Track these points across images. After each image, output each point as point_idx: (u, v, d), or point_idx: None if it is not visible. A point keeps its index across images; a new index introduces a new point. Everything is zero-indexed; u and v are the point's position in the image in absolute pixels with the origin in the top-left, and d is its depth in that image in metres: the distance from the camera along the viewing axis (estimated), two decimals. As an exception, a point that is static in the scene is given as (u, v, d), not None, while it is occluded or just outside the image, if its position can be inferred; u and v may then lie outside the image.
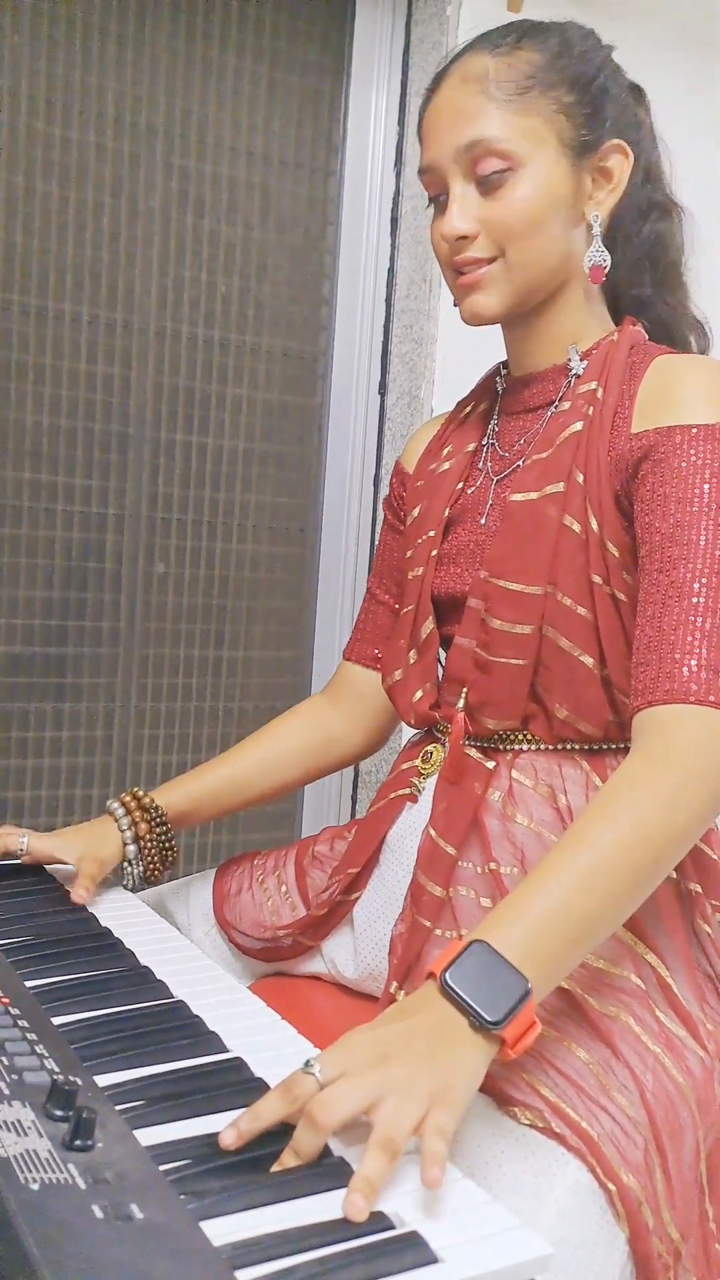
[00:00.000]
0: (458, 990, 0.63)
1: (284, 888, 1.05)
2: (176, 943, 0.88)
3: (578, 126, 0.86)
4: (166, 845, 1.02)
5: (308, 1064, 0.59)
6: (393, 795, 0.96)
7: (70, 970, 0.78)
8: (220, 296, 1.84)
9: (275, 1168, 0.56)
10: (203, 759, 1.88)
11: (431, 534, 0.96)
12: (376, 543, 1.14)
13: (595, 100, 0.87)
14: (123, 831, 1.00)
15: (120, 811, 1.02)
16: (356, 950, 0.96)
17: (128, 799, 1.03)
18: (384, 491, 1.91)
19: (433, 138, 0.88)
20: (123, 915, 0.92)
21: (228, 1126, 0.58)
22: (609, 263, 0.88)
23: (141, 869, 1.01)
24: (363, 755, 1.12)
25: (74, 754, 1.79)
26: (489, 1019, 0.62)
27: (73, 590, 1.77)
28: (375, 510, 1.94)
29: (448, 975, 0.64)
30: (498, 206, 0.87)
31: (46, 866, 1.02)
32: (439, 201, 0.91)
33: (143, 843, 1.00)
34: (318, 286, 1.94)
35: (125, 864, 1.00)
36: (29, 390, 1.71)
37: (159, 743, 1.85)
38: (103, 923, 0.89)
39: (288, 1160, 0.56)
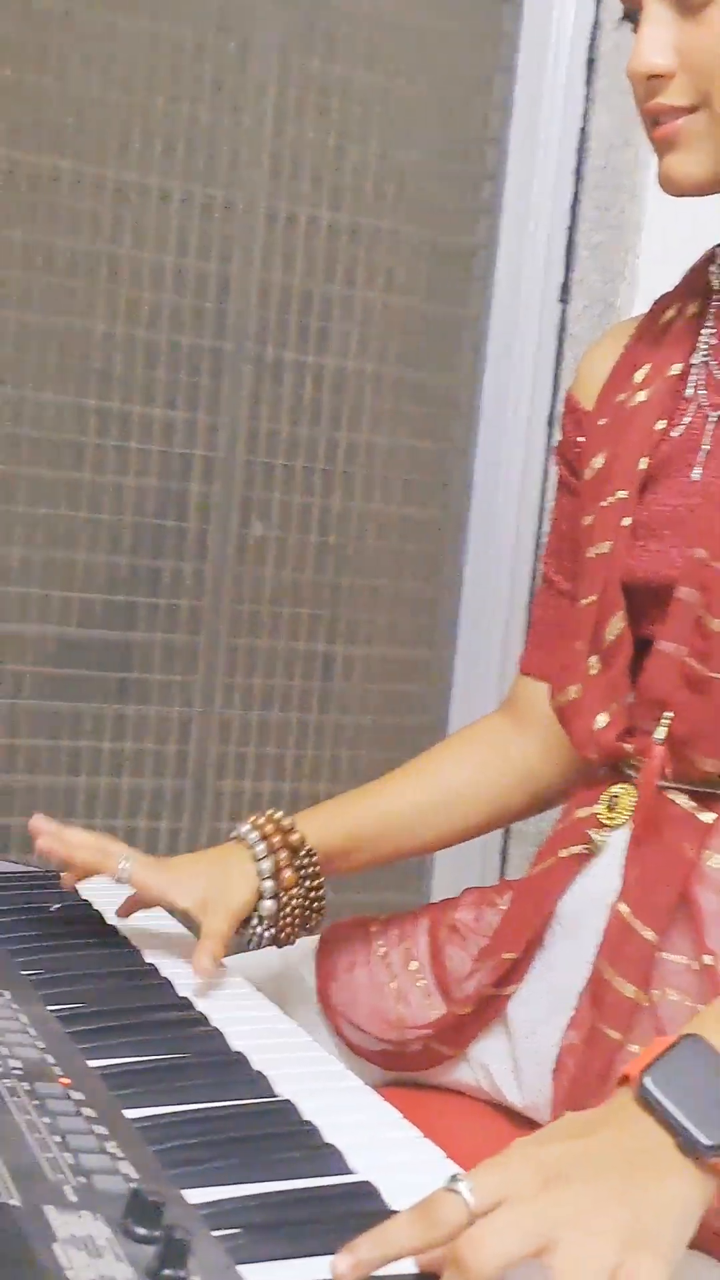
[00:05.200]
0: (662, 1099, 0.63)
1: (414, 964, 1.06)
2: (277, 1024, 0.90)
3: None
4: (314, 904, 1.01)
5: (454, 1180, 0.59)
6: (564, 853, 0.96)
7: (144, 1050, 0.80)
8: (350, 168, 1.86)
9: None
10: (304, 790, 1.92)
11: (622, 495, 0.95)
12: (550, 508, 1.14)
13: None
14: (262, 878, 0.99)
15: (261, 847, 0.99)
16: (517, 1065, 0.96)
17: (267, 826, 1.01)
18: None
19: None
20: (204, 982, 0.94)
21: (343, 1250, 0.59)
22: None
23: (273, 932, 0.99)
24: (560, 798, 1.11)
25: (138, 774, 1.84)
26: (705, 1141, 0.61)
27: (144, 556, 1.82)
28: (550, 462, 1.94)
29: (648, 1079, 0.63)
30: (701, 32, 0.85)
31: (97, 907, 1.05)
32: (634, 22, 0.90)
33: (286, 896, 0.99)
34: (480, 155, 1.94)
35: (254, 922, 0.99)
36: (100, 290, 1.76)
37: (247, 764, 1.89)
38: (180, 990, 0.91)
39: None
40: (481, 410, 1.97)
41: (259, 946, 1.00)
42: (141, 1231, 0.58)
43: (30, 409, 1.74)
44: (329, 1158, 0.70)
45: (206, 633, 1.85)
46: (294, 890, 0.99)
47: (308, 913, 1.01)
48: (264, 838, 1.00)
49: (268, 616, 1.88)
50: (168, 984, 0.93)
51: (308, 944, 1.12)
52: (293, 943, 1.02)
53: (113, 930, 1.02)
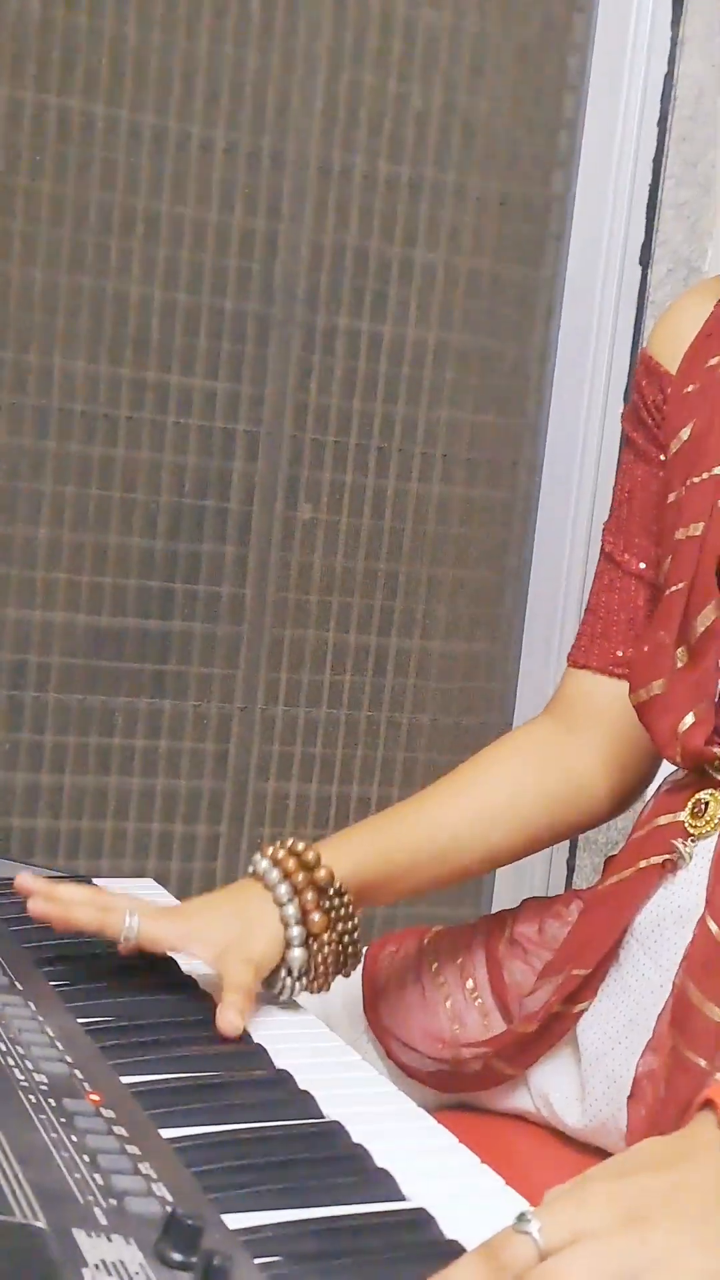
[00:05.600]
0: None
1: (470, 982, 1.07)
2: (324, 1041, 0.90)
3: None
4: (349, 946, 0.97)
5: (522, 1218, 0.59)
6: (643, 863, 0.96)
7: (181, 1066, 0.81)
8: (413, 116, 1.86)
9: None
10: (354, 794, 1.93)
11: (717, 471, 0.96)
12: (616, 483, 1.13)
13: None
14: (289, 925, 0.95)
15: (283, 888, 0.95)
16: (584, 1088, 0.97)
17: (289, 861, 0.96)
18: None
19: None
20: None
21: None
22: None
23: (305, 981, 0.96)
24: (616, 810, 1.11)
25: (173, 774, 1.85)
26: None
27: (182, 540, 1.83)
28: (627, 438, 1.93)
29: None
30: None
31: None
32: None
33: (316, 944, 0.95)
34: (557, 102, 1.94)
35: (282, 972, 0.96)
36: (134, 249, 1.77)
37: (293, 765, 1.89)
38: (221, 1005, 0.93)
39: None
40: (554, 383, 1.96)
41: (291, 997, 0.97)
42: (177, 1257, 0.59)
43: (59, 379, 1.75)
44: (381, 1183, 0.70)
45: (250, 623, 1.86)
46: (325, 935, 0.96)
47: (342, 958, 0.98)
48: (286, 876, 0.96)
49: (316, 606, 1.89)
50: (208, 997, 0.93)
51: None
52: (327, 989, 0.99)
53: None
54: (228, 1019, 0.88)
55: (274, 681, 1.87)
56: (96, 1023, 0.85)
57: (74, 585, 1.78)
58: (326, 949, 0.96)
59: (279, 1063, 0.84)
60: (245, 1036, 0.88)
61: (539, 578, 1.98)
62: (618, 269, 1.91)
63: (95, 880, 1.15)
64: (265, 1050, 0.85)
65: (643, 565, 1.06)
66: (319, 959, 0.96)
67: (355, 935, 0.98)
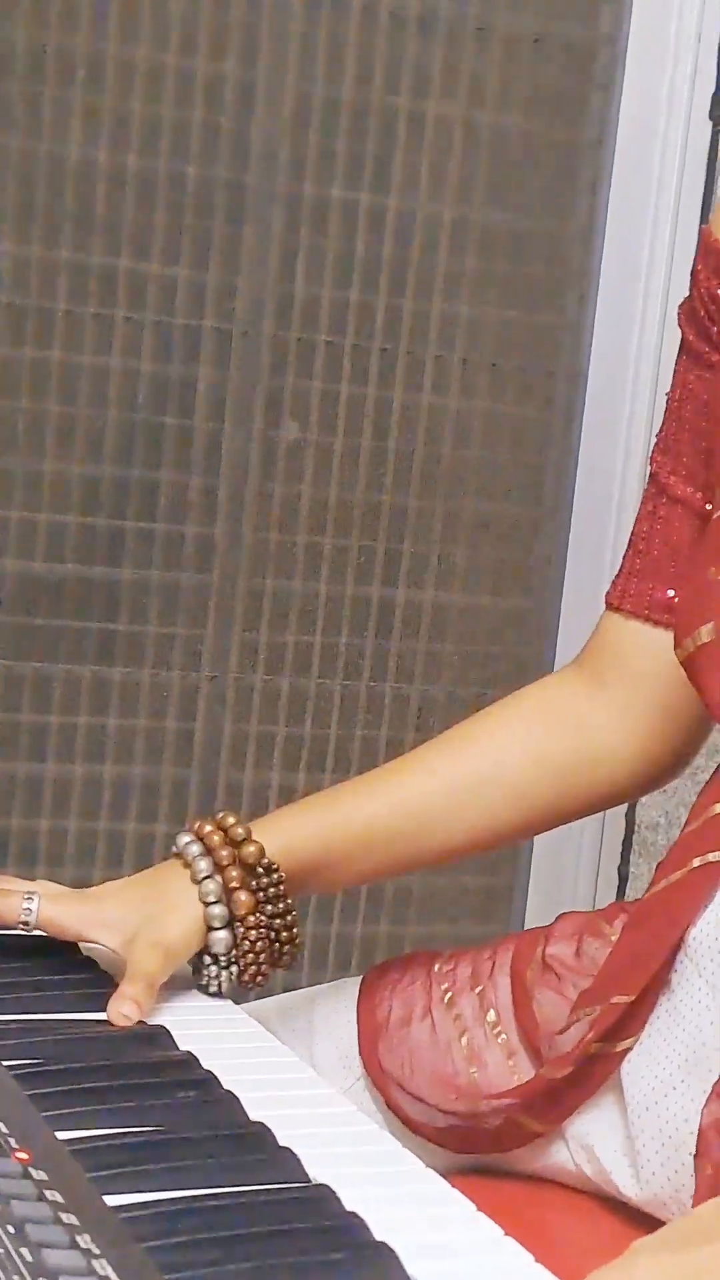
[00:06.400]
0: None
1: (491, 1014, 1.07)
2: (309, 1089, 0.91)
3: None
4: (282, 932, 1.03)
5: None
6: (698, 861, 0.97)
7: (130, 1119, 0.81)
8: (423, -68, 1.85)
9: None
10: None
11: None
12: (669, 390, 1.13)
13: None
14: (207, 903, 1.02)
15: (203, 864, 1.02)
16: (634, 1146, 0.97)
17: (214, 835, 1.03)
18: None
19: None
20: (213, 1032, 0.96)
21: None
22: None
23: (235, 971, 1.03)
24: (648, 785, 1.13)
25: (126, 760, 1.85)
26: None
27: (136, 466, 1.82)
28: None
29: None
30: None
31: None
32: None
33: (242, 927, 1.02)
34: None
35: (207, 960, 1.03)
36: (76, 101, 1.75)
37: (274, 748, 1.89)
38: (181, 1043, 0.93)
39: None
40: (601, 271, 1.96)
41: (220, 992, 1.03)
42: (123, 1350, 0.59)
43: (-18, 265, 1.75)
44: (379, 1260, 0.70)
45: (220, 571, 1.86)
46: (252, 918, 1.02)
47: (276, 944, 1.03)
48: (208, 851, 1.03)
49: (303, 550, 1.88)
50: (164, 1034, 0.94)
51: (346, 988, 1.14)
52: (260, 984, 1.04)
53: (89, 963, 1.04)
54: (117, 1010, 0.94)
55: (250, 644, 1.88)
56: (25, 1065, 0.86)
57: (1, 525, 1.78)
58: (255, 933, 1.02)
59: (254, 1114, 0.84)
60: (213, 1082, 0.88)
61: (582, 515, 1.98)
62: (681, 127, 1.91)
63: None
64: (236, 1099, 0.85)
65: (692, 489, 1.08)
66: (247, 945, 1.02)
67: (290, 921, 1.04)
